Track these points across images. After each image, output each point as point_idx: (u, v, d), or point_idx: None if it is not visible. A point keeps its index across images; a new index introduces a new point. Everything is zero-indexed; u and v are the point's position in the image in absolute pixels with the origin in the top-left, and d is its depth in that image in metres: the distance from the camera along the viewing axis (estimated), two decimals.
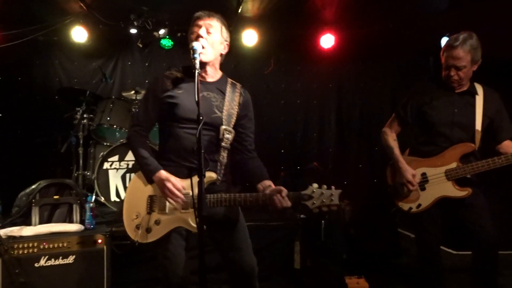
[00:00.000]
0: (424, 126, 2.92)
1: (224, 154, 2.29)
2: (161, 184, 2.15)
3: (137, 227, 2.21)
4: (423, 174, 2.86)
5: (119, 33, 5.72)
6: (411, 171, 2.83)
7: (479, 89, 2.85)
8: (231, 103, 2.31)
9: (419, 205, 2.85)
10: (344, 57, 6.25)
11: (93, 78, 5.87)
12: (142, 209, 2.23)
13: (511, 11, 4.15)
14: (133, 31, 5.54)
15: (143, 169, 2.23)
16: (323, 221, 4.72)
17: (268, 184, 2.24)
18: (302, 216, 4.32)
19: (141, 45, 5.92)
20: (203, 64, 2.21)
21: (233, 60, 6.23)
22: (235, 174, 2.48)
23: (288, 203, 2.09)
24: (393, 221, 4.32)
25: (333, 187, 2.13)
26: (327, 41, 5.89)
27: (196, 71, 1.97)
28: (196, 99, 1.89)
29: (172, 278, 2.22)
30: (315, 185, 2.11)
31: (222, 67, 2.42)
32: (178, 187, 2.12)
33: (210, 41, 2.23)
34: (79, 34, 5.48)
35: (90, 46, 5.82)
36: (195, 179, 1.89)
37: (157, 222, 2.20)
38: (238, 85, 2.42)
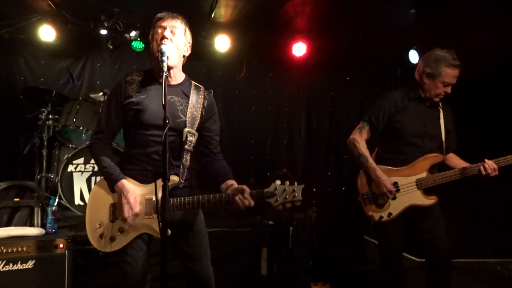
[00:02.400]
0: (394, 135, 2.94)
1: (187, 157, 2.26)
2: (120, 194, 2.12)
3: (101, 236, 2.17)
4: (395, 183, 2.89)
5: (88, 34, 5.60)
6: (390, 180, 2.85)
7: (439, 103, 2.98)
8: (195, 105, 2.28)
9: (390, 213, 2.89)
10: (315, 66, 6.34)
11: (60, 79, 5.74)
12: (105, 217, 2.19)
13: (475, 26, 4.31)
14: (103, 32, 5.44)
15: (105, 178, 2.20)
16: (291, 228, 4.75)
17: (230, 184, 2.21)
18: (270, 222, 4.33)
19: (111, 47, 5.82)
20: (168, 67, 2.15)
21: (205, 65, 6.21)
22: (204, 179, 2.46)
23: (251, 202, 2.06)
24: (358, 229, 4.39)
25: (295, 182, 2.11)
26: (299, 49, 5.97)
27: (164, 74, 1.96)
28: (163, 103, 1.87)
29: (132, 283, 2.18)
30: (278, 182, 2.09)
31: (194, 72, 2.42)
32: (132, 206, 2.10)
33: (175, 42, 2.19)
34: (47, 33, 5.32)
35: (58, 46, 5.68)
36: (159, 183, 1.86)
37: (120, 230, 2.17)
38: (202, 88, 2.38)
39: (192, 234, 2.32)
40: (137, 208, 2.11)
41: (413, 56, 5.69)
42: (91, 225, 2.20)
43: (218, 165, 2.37)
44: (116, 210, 2.18)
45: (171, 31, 2.18)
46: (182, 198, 2.13)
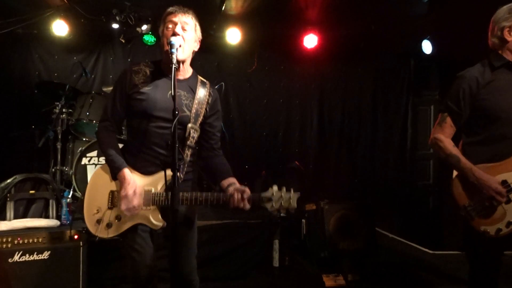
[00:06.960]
0: (484, 118, 2.31)
1: (188, 153, 2.27)
2: (121, 185, 2.15)
3: (98, 221, 2.19)
4: (504, 182, 2.23)
5: (101, 28, 5.64)
6: (495, 179, 2.21)
7: None
8: (200, 102, 2.29)
9: (509, 223, 2.21)
10: (327, 57, 6.30)
11: (74, 73, 5.79)
12: (103, 203, 2.21)
13: (490, 14, 4.22)
14: (115, 26, 5.48)
15: (109, 165, 2.21)
16: (303, 220, 4.75)
17: (232, 181, 2.22)
18: (282, 214, 4.34)
19: (123, 41, 5.87)
20: (177, 62, 2.13)
21: (216, 58, 6.21)
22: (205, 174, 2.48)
23: (247, 206, 2.08)
24: (371, 220, 4.37)
25: (292, 189, 2.12)
26: (310, 41, 5.94)
27: (173, 66, 1.95)
28: (172, 94, 1.87)
29: (141, 270, 2.19)
30: (275, 188, 2.11)
31: (205, 65, 2.43)
32: (130, 200, 2.11)
33: (186, 39, 2.17)
34: (60, 28, 5.39)
35: (71, 40, 5.74)
36: (162, 175, 1.98)
37: (118, 218, 2.18)
38: (208, 84, 2.38)
39: (186, 228, 2.33)
40: (135, 202, 2.12)
41: (426, 46, 5.60)
42: (89, 210, 2.22)
43: (218, 160, 2.38)
44: (115, 198, 2.20)
45: (182, 27, 2.16)
46: (181, 193, 2.11)
